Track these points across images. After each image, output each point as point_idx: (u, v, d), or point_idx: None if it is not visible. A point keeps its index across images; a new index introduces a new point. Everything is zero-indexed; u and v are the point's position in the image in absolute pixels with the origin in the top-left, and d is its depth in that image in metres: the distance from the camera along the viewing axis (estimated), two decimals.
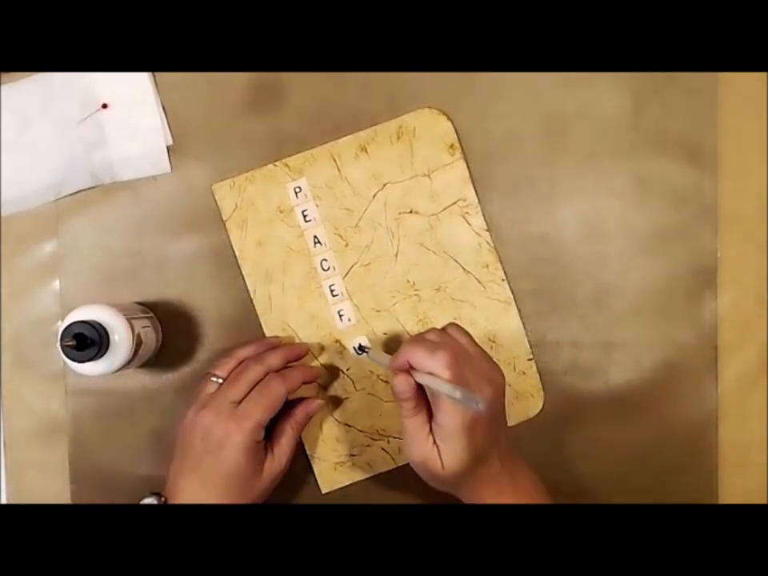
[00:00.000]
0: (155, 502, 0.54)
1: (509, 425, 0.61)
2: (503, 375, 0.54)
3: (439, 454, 0.50)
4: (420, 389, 0.51)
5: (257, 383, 0.56)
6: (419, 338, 0.53)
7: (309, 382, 0.59)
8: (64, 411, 0.62)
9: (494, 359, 0.60)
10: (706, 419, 0.62)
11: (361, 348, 0.62)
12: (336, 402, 0.62)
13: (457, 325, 0.57)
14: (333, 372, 0.62)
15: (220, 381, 0.56)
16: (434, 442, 0.51)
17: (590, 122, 0.62)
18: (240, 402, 0.54)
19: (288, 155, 0.62)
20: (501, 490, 0.52)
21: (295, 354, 0.59)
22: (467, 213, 0.61)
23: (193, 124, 0.62)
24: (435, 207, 0.62)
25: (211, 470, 0.54)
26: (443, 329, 0.56)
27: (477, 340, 0.61)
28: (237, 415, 0.54)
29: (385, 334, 0.62)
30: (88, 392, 0.62)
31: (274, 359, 0.57)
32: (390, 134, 0.61)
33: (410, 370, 0.51)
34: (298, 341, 0.62)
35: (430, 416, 0.51)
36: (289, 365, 0.59)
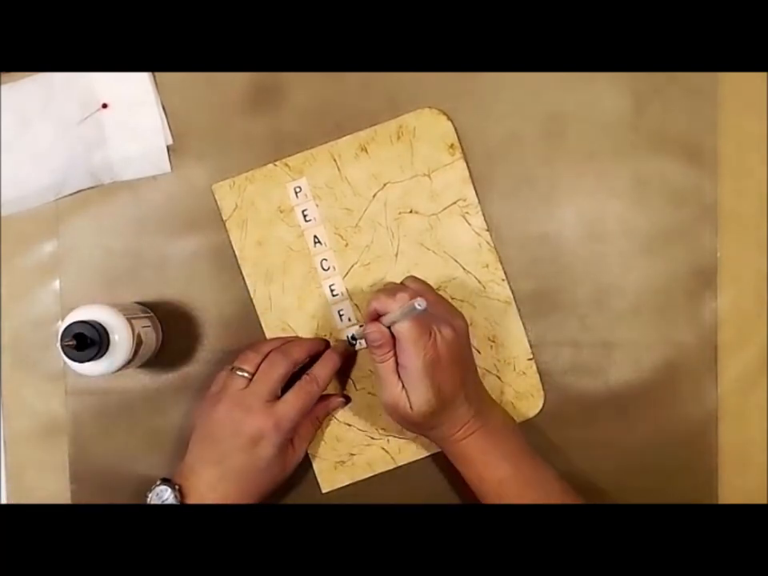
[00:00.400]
0: (168, 491, 0.54)
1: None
2: (464, 320, 0.57)
3: (407, 396, 0.53)
4: (392, 338, 0.53)
5: (285, 378, 0.57)
6: (382, 287, 0.57)
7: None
8: (64, 411, 0.62)
9: (494, 359, 0.61)
10: (706, 419, 0.62)
11: (354, 338, 0.62)
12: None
13: (414, 276, 0.59)
14: None
15: (245, 375, 0.57)
16: (403, 386, 0.54)
17: (590, 122, 0.62)
18: (271, 399, 0.56)
19: (288, 155, 0.62)
20: (470, 430, 0.55)
21: (317, 348, 0.60)
22: (467, 213, 0.61)
23: (193, 124, 0.62)
24: (435, 207, 0.62)
25: (240, 464, 0.55)
26: (403, 281, 0.59)
27: (477, 340, 0.61)
28: (274, 414, 0.55)
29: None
30: (88, 392, 0.62)
31: (299, 353, 0.58)
32: (390, 133, 0.61)
33: (378, 319, 0.54)
34: None
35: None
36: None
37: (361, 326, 0.60)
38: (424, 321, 0.53)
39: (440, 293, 0.61)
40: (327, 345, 0.62)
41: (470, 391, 0.55)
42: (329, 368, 0.59)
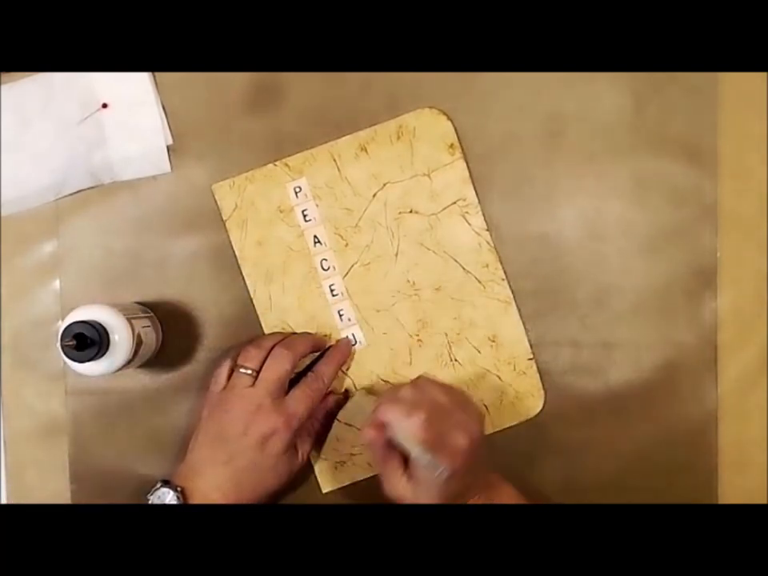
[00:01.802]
0: (168, 492, 0.53)
1: (509, 424, 0.61)
2: (481, 421, 0.54)
3: (413, 490, 0.52)
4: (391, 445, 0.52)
5: (291, 373, 0.57)
6: (396, 398, 0.53)
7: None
8: (64, 411, 0.62)
9: (495, 359, 0.61)
10: (706, 419, 0.62)
11: (355, 340, 0.62)
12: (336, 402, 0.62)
13: (428, 378, 0.56)
14: None
15: (249, 372, 0.57)
16: (408, 478, 0.52)
17: (590, 122, 0.62)
18: (279, 396, 0.56)
19: (288, 155, 0.62)
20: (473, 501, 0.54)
21: (319, 342, 0.61)
22: (467, 212, 0.61)
23: (193, 124, 0.62)
24: (435, 207, 0.62)
25: (249, 463, 0.55)
26: (416, 383, 0.55)
27: (477, 340, 0.61)
28: (284, 411, 0.56)
29: (384, 333, 0.62)
30: (88, 392, 0.62)
31: (303, 346, 0.59)
32: (390, 133, 0.61)
33: (385, 426, 0.52)
34: None
35: (403, 458, 0.53)
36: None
37: (364, 401, 0.59)
38: (439, 436, 0.50)
39: (440, 292, 0.61)
40: (327, 342, 0.61)
41: (479, 484, 0.54)
42: (333, 365, 0.59)
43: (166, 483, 0.54)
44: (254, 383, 0.56)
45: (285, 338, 0.59)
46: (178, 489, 0.54)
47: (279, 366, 0.57)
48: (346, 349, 0.61)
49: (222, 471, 0.55)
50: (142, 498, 0.55)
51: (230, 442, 0.55)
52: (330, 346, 0.61)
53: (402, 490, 0.53)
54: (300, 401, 0.57)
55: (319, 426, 0.60)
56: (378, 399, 0.55)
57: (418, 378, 0.56)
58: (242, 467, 0.55)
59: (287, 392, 0.57)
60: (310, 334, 0.62)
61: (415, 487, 0.52)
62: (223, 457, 0.55)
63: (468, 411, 0.54)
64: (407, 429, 0.50)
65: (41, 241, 0.62)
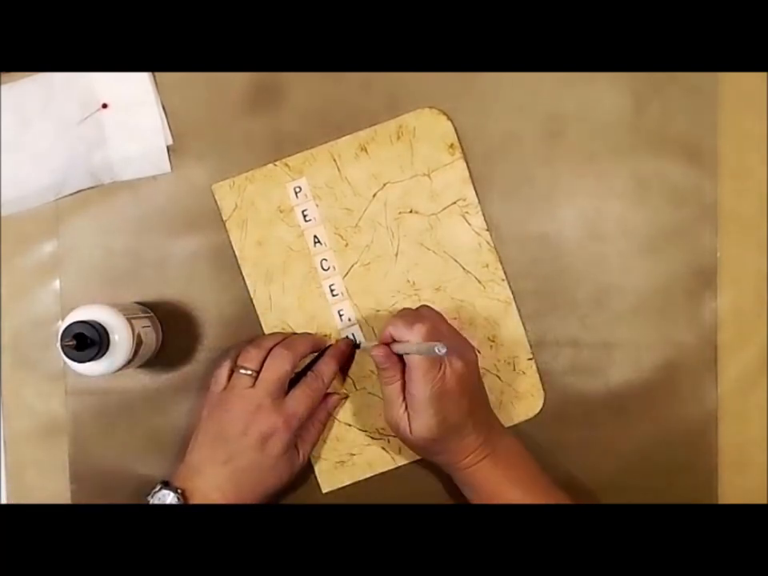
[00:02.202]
0: (169, 493, 0.53)
1: (509, 425, 0.61)
2: (475, 353, 0.57)
3: (408, 421, 0.54)
4: (400, 361, 0.55)
5: (291, 373, 0.57)
6: (400, 314, 0.57)
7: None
8: (64, 411, 0.62)
9: (494, 359, 0.61)
10: (706, 419, 0.62)
11: (356, 345, 0.62)
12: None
13: (428, 306, 0.59)
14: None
15: (249, 372, 0.57)
16: (406, 408, 0.54)
17: (589, 122, 0.62)
18: (279, 396, 0.56)
19: (288, 155, 0.62)
20: (477, 458, 0.55)
21: (319, 343, 0.61)
22: (467, 212, 0.61)
23: (193, 124, 0.62)
24: (435, 207, 0.62)
25: (249, 463, 0.55)
26: (419, 308, 0.58)
27: (477, 340, 0.61)
28: (284, 411, 0.56)
29: None
30: (88, 392, 0.62)
31: (303, 346, 0.59)
32: (390, 133, 0.61)
33: (391, 342, 0.55)
34: None
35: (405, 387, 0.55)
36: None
37: (371, 345, 0.59)
38: (434, 338, 0.53)
39: (440, 293, 0.61)
40: (327, 342, 0.62)
41: (478, 420, 0.55)
42: (332, 365, 0.60)
43: (166, 485, 0.54)
44: (254, 383, 0.56)
45: (285, 339, 0.59)
46: (179, 490, 0.54)
47: (279, 366, 0.57)
48: (346, 348, 0.61)
49: (221, 471, 0.55)
50: (142, 500, 0.55)
51: (229, 441, 0.55)
52: (330, 346, 0.61)
53: (398, 415, 0.55)
54: (300, 401, 0.57)
55: (320, 426, 0.60)
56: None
57: (421, 306, 0.59)
58: (242, 467, 0.55)
59: (287, 392, 0.57)
60: (309, 334, 0.62)
61: (411, 411, 0.54)
62: (223, 456, 0.55)
63: (463, 340, 0.58)
64: (411, 338, 0.53)
65: (41, 241, 0.62)
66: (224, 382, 0.58)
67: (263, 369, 0.57)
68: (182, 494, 0.54)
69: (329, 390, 0.61)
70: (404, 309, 0.59)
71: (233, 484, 0.55)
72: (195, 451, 0.56)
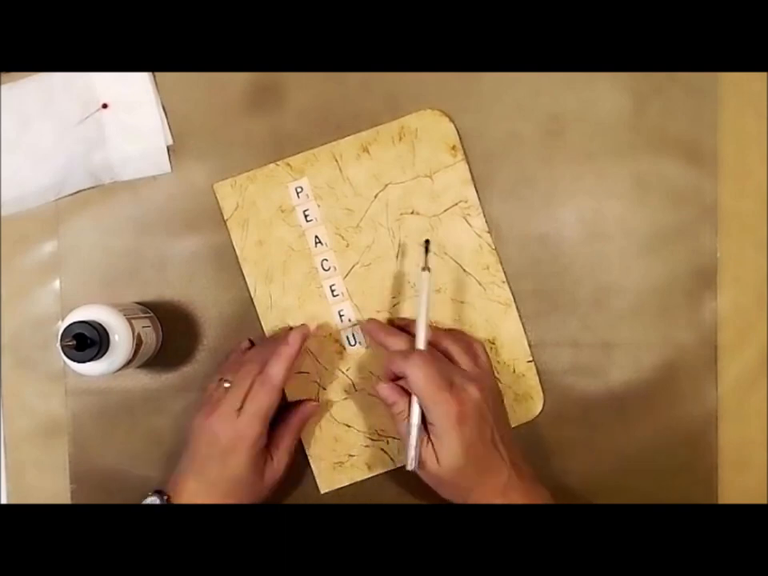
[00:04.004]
0: (158, 501, 0.54)
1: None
2: (494, 380, 0.57)
3: (434, 451, 0.52)
4: (407, 393, 0.54)
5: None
6: (394, 349, 0.56)
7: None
8: (64, 411, 0.62)
9: (494, 361, 0.61)
10: (706, 419, 0.62)
11: (355, 340, 0.62)
12: (336, 403, 0.62)
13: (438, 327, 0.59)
14: (332, 372, 0.62)
15: (226, 384, 0.56)
16: (429, 439, 0.52)
17: (589, 122, 0.62)
18: (240, 408, 0.54)
19: (289, 155, 0.62)
20: (508, 494, 0.53)
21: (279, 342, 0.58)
22: (468, 214, 0.61)
23: (193, 124, 0.62)
24: (436, 208, 0.62)
25: (215, 474, 0.54)
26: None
27: (476, 343, 0.61)
28: (241, 423, 0.54)
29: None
30: (88, 392, 0.62)
31: (266, 355, 0.56)
32: (392, 134, 0.61)
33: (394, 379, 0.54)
34: None
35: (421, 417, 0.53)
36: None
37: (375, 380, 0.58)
38: (441, 373, 0.52)
39: (440, 294, 0.61)
40: (305, 334, 0.58)
41: (505, 450, 0.53)
42: (281, 364, 0.55)
43: (158, 492, 0.54)
44: (226, 392, 0.55)
45: (254, 345, 0.59)
46: (165, 498, 0.54)
47: (243, 380, 0.55)
48: (297, 339, 0.56)
49: (194, 483, 0.54)
50: (141, 499, 0.54)
51: (199, 453, 0.55)
52: (280, 342, 0.57)
53: (423, 452, 0.53)
54: (251, 413, 0.54)
55: (293, 433, 0.58)
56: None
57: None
58: (211, 480, 0.54)
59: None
60: (278, 336, 0.60)
61: (435, 439, 0.52)
62: (195, 467, 0.55)
63: (480, 368, 0.57)
64: (407, 368, 0.52)
65: (41, 241, 0.62)
66: (211, 391, 0.57)
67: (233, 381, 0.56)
68: (168, 501, 0.54)
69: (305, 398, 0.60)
70: (402, 318, 0.58)
71: (205, 497, 0.54)
72: (182, 458, 0.56)
